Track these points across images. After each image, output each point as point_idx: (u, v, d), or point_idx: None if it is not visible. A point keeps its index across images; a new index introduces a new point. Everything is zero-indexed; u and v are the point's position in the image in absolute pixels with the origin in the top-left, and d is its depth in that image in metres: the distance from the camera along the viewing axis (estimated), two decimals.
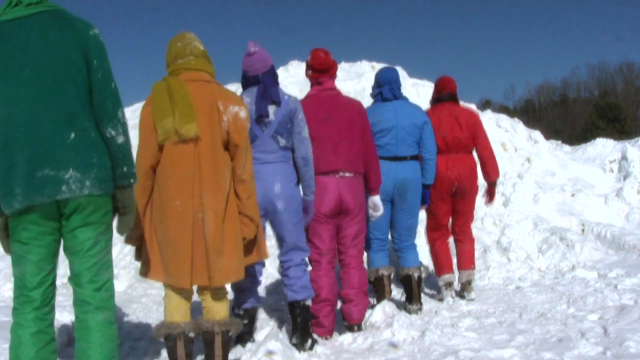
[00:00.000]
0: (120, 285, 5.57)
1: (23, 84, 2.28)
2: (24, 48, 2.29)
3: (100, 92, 2.38)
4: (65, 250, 2.41)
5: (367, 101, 9.21)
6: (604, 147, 9.65)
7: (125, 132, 2.44)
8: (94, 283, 2.40)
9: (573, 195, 7.85)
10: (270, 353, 3.13)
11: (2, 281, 5.36)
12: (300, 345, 3.51)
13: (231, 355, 3.39)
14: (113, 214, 2.51)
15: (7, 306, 4.59)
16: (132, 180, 2.48)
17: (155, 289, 5.53)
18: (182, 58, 3.03)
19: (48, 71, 2.30)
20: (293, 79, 9.88)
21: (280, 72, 10.10)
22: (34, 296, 2.33)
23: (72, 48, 2.33)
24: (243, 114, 3.01)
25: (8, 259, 5.92)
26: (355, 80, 9.71)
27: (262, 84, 3.54)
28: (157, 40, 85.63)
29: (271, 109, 3.53)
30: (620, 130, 30.58)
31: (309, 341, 3.56)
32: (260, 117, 3.49)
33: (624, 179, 8.50)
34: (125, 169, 2.44)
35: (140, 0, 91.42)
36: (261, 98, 3.51)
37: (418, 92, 9.67)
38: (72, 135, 2.31)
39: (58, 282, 2.70)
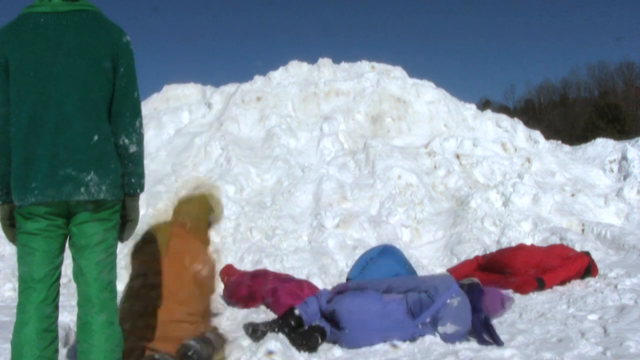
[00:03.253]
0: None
1: (54, 79, 2.28)
2: (58, 43, 2.29)
3: (121, 99, 2.40)
4: (71, 246, 2.40)
5: (367, 101, 9.25)
6: (604, 147, 9.64)
7: (139, 142, 2.44)
8: (100, 281, 2.39)
9: (573, 195, 7.84)
10: (270, 353, 3.14)
11: (2, 281, 5.36)
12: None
13: (231, 356, 3.39)
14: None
15: (7, 306, 4.59)
16: (139, 190, 2.49)
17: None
18: (182, 215, 3.40)
19: (79, 71, 2.31)
20: (293, 79, 9.86)
21: (280, 72, 10.10)
22: (39, 288, 2.32)
23: (104, 52, 2.35)
24: (204, 272, 3.31)
25: (8, 259, 5.96)
26: (356, 80, 9.70)
27: None
28: (157, 40, 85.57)
29: None
30: (620, 130, 30.56)
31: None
32: None
33: (624, 179, 8.50)
34: (133, 180, 2.45)
35: (140, 0, 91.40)
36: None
37: (418, 92, 9.66)
38: (96, 138, 2.32)
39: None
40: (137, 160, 2.45)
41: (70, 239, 2.40)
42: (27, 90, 2.28)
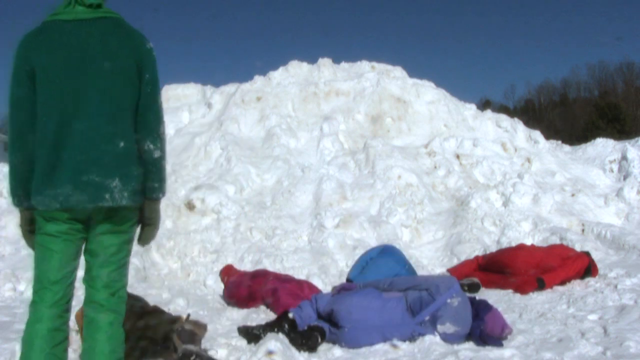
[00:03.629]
0: None
1: (80, 86, 2.29)
2: (84, 51, 2.30)
3: (146, 105, 2.40)
4: (86, 252, 2.42)
5: (367, 101, 9.26)
6: (604, 147, 9.64)
7: (162, 148, 2.45)
8: (109, 288, 2.41)
9: (573, 195, 7.84)
10: (270, 353, 3.14)
11: (2, 281, 5.36)
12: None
13: (231, 356, 3.40)
14: (137, 224, 2.52)
15: (7, 306, 4.59)
16: (161, 195, 2.50)
17: (154, 289, 5.52)
18: None
19: (105, 78, 2.31)
20: (293, 79, 9.86)
21: (280, 72, 10.10)
22: (55, 290, 2.33)
23: (129, 59, 2.35)
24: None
25: (8, 259, 5.96)
26: (356, 80, 9.69)
27: None
28: (157, 40, 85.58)
29: None
30: (620, 130, 30.58)
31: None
32: None
33: (624, 179, 8.50)
34: (156, 184, 2.46)
35: (140, 0, 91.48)
36: None
37: (418, 92, 9.66)
38: (122, 144, 2.33)
39: None
40: (159, 165, 2.46)
41: (86, 243, 2.42)
42: (54, 98, 2.29)
